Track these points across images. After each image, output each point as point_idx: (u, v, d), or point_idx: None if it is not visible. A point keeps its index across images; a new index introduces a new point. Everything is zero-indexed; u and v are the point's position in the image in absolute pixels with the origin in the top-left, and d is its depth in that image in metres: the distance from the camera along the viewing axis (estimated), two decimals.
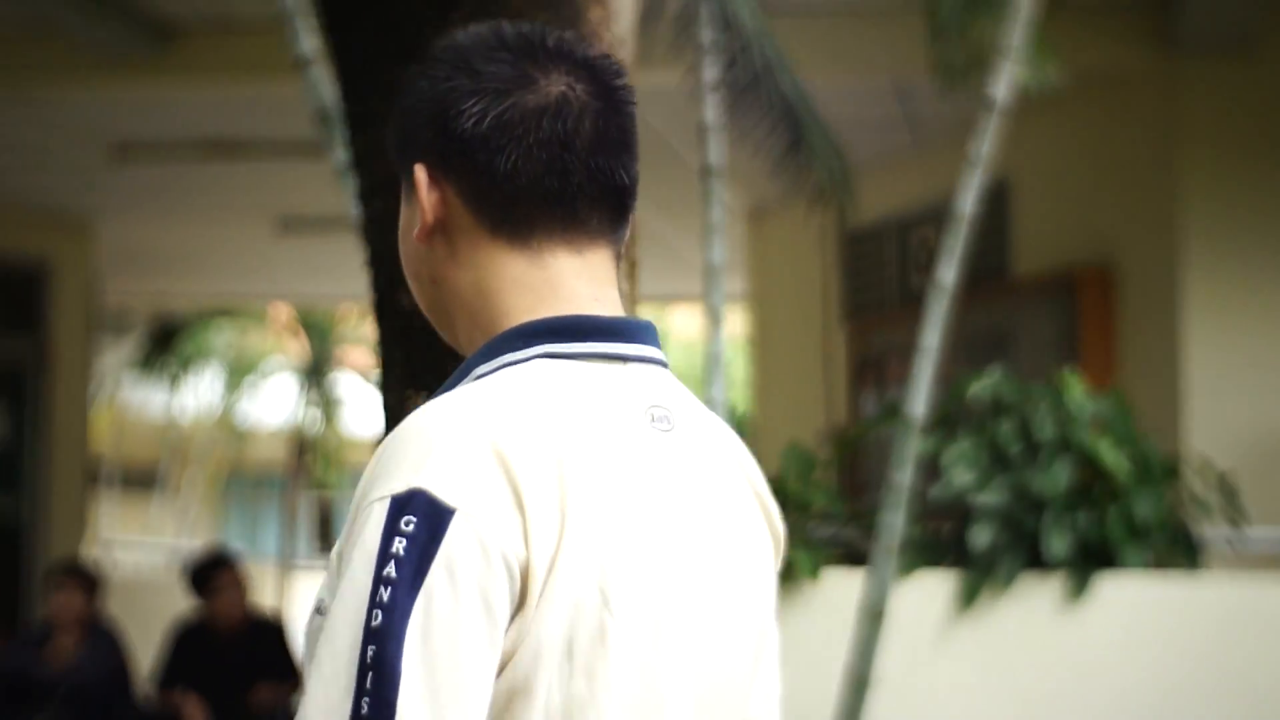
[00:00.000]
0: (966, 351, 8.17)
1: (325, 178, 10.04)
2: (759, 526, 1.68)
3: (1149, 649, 5.53)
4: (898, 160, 9.49)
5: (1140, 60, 7.74)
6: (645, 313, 2.71)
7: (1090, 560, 5.52)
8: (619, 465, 1.53)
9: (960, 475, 5.68)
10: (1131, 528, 5.52)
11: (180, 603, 9.14)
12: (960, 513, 5.74)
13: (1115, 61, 7.79)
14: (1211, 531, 5.81)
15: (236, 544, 21.72)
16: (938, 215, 9.07)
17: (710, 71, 5.32)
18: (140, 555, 20.51)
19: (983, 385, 5.91)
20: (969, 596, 5.63)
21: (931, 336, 5.18)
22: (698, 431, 1.63)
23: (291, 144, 8.75)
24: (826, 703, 5.51)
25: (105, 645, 8.29)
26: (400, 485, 1.44)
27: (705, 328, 5.67)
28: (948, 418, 5.88)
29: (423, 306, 1.70)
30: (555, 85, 1.60)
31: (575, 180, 1.59)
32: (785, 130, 5.93)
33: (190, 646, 8.38)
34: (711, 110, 5.27)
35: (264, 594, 14.25)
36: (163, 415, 22.20)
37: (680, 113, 6.45)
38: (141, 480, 23.74)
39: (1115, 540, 5.50)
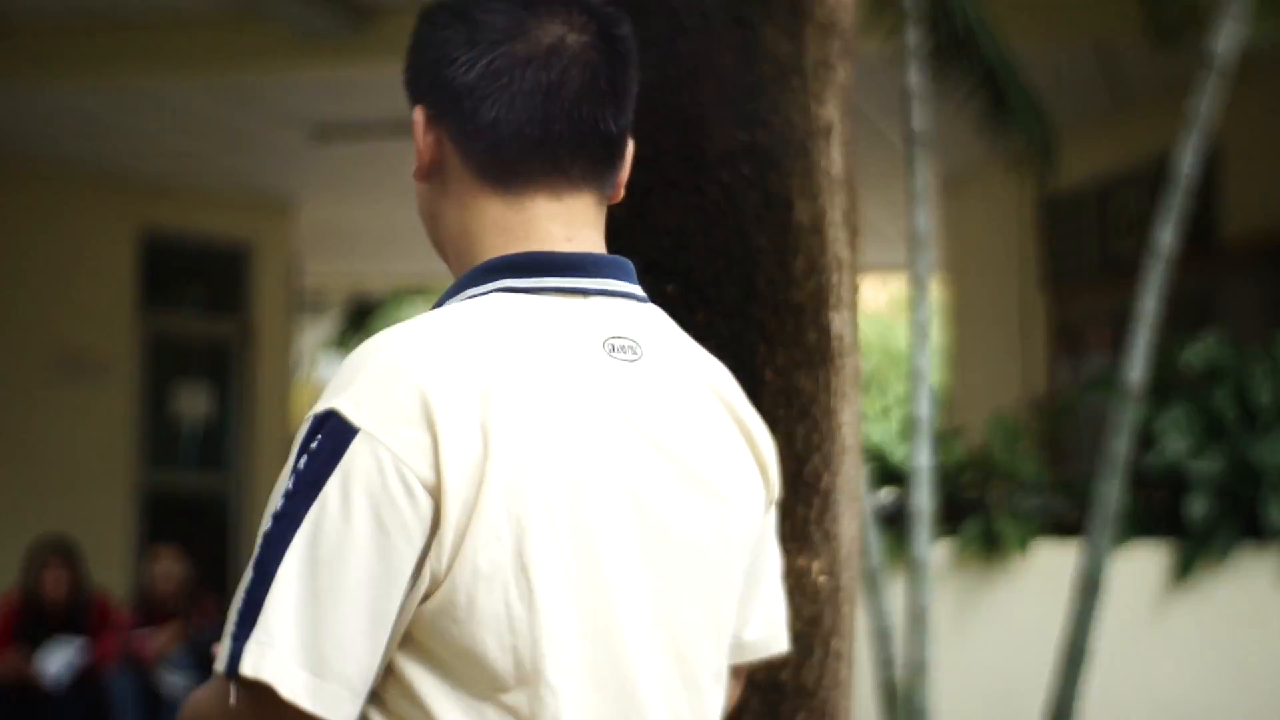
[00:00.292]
0: (1172, 317, 7.99)
1: None
2: (739, 452, 1.70)
3: None
4: (1097, 123, 9.29)
5: None
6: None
7: None
8: (561, 391, 1.58)
9: (1174, 443, 5.56)
10: None
11: None
12: (1174, 482, 5.61)
13: None
14: None
15: None
16: (1140, 179, 8.87)
17: (913, 36, 5.24)
18: None
19: (1196, 351, 5.77)
20: (1184, 568, 5.51)
21: (1148, 301, 5.06)
22: (671, 362, 1.67)
23: None
24: (1038, 677, 5.43)
25: None
26: (323, 405, 1.53)
27: (910, 297, 5.60)
28: (1160, 385, 5.74)
29: (430, 241, 1.76)
30: (549, 35, 1.65)
31: (556, 129, 1.64)
32: (986, 95, 5.84)
33: None
34: (915, 76, 5.19)
35: None
36: None
37: (874, 80, 6.38)
38: None
39: None
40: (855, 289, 2.70)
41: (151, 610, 8.96)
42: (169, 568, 9.10)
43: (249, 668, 1.48)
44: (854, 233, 2.76)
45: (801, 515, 2.62)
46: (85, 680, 8.52)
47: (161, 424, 11.37)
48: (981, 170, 9.58)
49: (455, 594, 1.52)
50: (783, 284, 2.56)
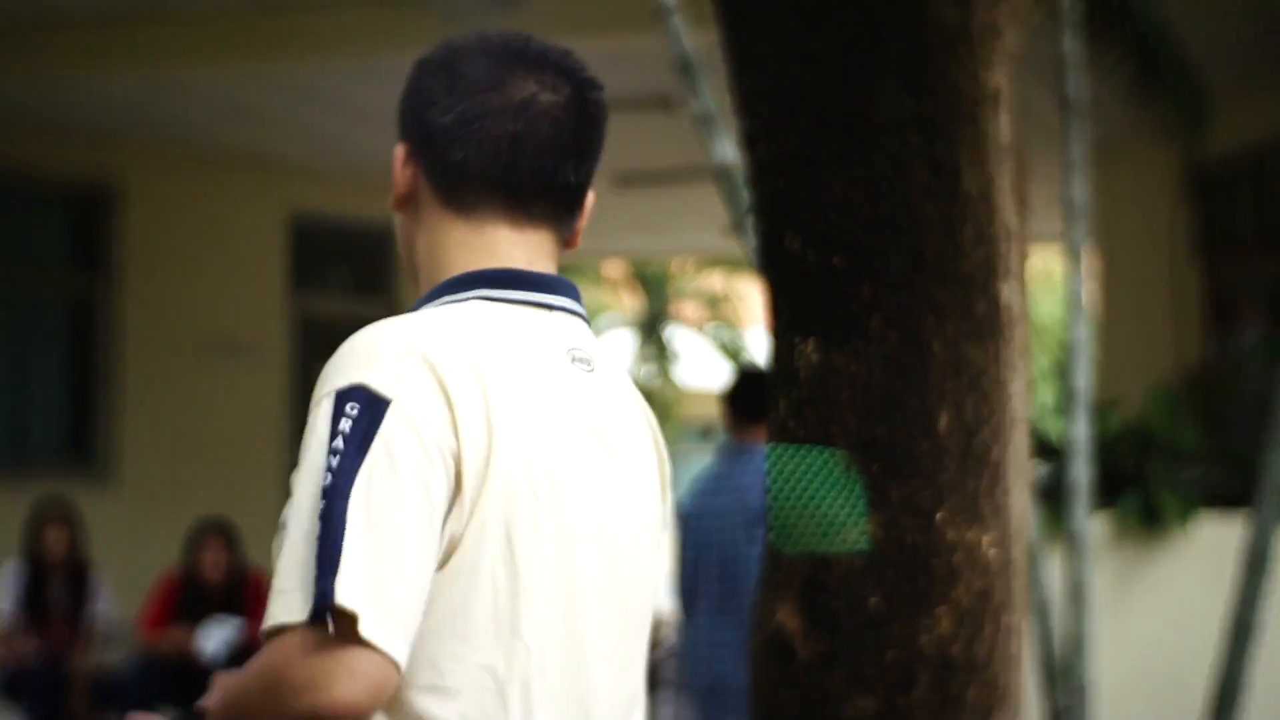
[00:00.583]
0: None
1: (665, 131, 10.13)
2: (651, 454, 2.01)
3: None
4: (1254, 89, 9.09)
5: None
6: None
7: None
8: (540, 388, 1.82)
9: None
10: None
11: None
12: None
13: None
14: None
15: None
16: None
17: (1068, 1, 5.16)
18: None
19: None
20: None
21: None
22: (612, 376, 1.95)
23: (632, 99, 8.81)
24: (1202, 652, 5.34)
25: None
26: (345, 382, 1.72)
27: (1065, 267, 5.52)
28: None
29: (404, 265, 1.99)
30: (522, 90, 1.89)
31: (519, 174, 1.88)
32: (1139, 61, 5.73)
33: None
34: (1070, 42, 5.11)
35: None
36: None
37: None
38: None
39: None
40: (1023, 259, 2.67)
41: None
42: None
43: (345, 598, 1.64)
44: (1021, 201, 2.72)
45: (971, 488, 2.59)
46: (242, 658, 8.66)
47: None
48: (1132, 138, 9.42)
49: (464, 556, 1.73)
50: (951, 254, 2.54)
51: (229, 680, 1.82)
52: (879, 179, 2.50)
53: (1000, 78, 2.57)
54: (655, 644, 8.14)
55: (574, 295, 1.93)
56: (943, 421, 2.57)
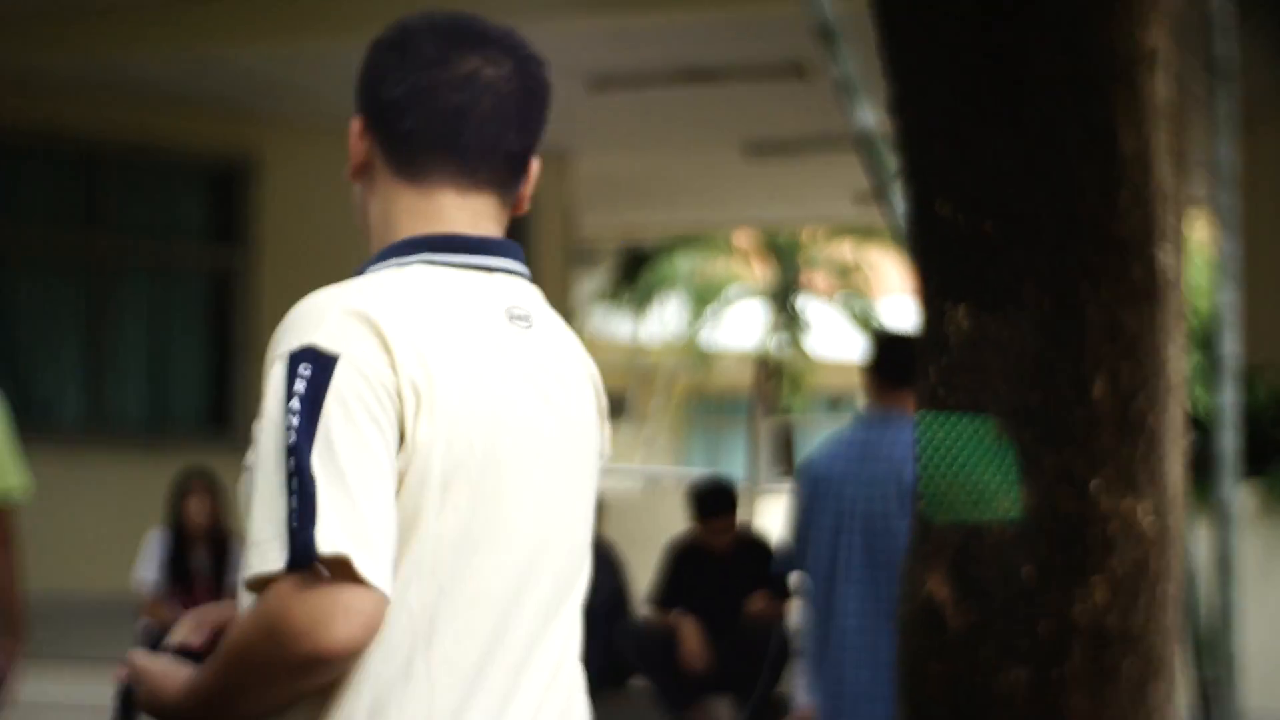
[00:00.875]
0: None
1: (797, 99, 10.08)
2: (592, 408, 2.13)
3: None
4: None
5: None
6: None
7: None
8: (477, 344, 1.96)
9: None
10: None
11: (659, 524, 9.36)
12: None
13: None
14: None
15: (699, 469, 22.09)
16: None
17: None
18: (612, 480, 21.11)
19: None
20: None
21: None
22: (552, 333, 2.08)
23: (764, 67, 8.76)
24: None
25: (604, 566, 8.53)
26: (296, 344, 1.89)
27: (1212, 233, 5.41)
28: None
29: (361, 232, 2.11)
30: (468, 65, 2.03)
31: (464, 142, 2.02)
32: None
33: (686, 566, 8.58)
34: (1219, 1, 5.00)
35: None
36: (629, 343, 22.76)
37: None
38: (609, 408, 24.39)
39: None
40: (1180, 221, 2.61)
41: None
42: None
43: (328, 546, 1.79)
44: (1178, 163, 2.67)
45: (1126, 456, 2.55)
46: None
47: None
48: (1275, 101, 9.23)
49: (406, 496, 1.87)
50: (1106, 217, 2.50)
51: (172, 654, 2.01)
52: (1032, 141, 2.46)
53: (1157, 37, 2.52)
54: (780, 614, 7.96)
55: (514, 255, 2.07)
56: (1097, 388, 2.53)
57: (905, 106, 2.74)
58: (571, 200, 12.18)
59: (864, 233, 19.14)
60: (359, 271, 2.03)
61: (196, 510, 8.92)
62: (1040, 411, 2.55)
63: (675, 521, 9.65)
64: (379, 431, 1.85)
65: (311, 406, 1.84)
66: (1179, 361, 2.62)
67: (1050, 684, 2.55)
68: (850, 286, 21.37)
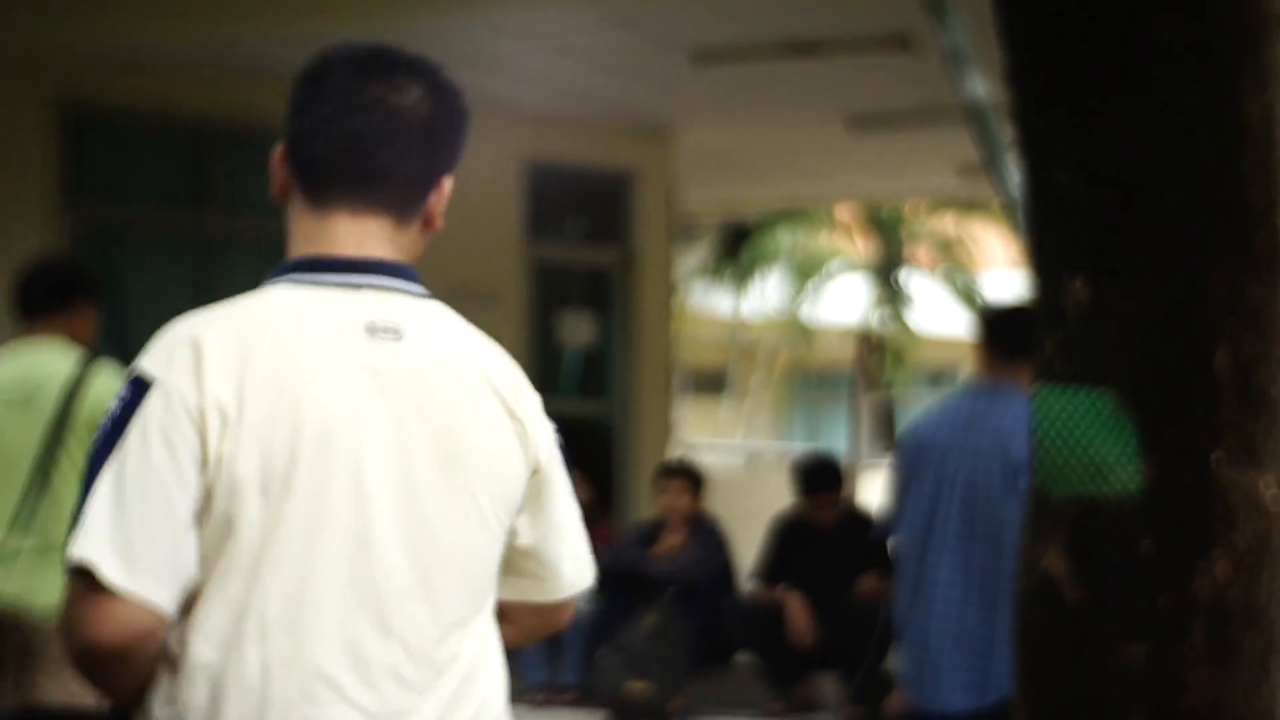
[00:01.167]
0: None
1: (900, 71, 10.01)
2: (498, 422, 2.15)
3: None
4: None
5: None
6: None
7: None
8: (312, 357, 2.06)
9: None
10: None
11: (762, 500, 9.35)
12: None
13: None
14: None
15: (801, 444, 22.03)
16: None
17: None
18: (714, 456, 21.07)
19: None
20: None
21: None
22: (435, 345, 2.14)
23: (868, 39, 8.71)
24: None
25: (711, 542, 8.56)
26: (135, 367, 2.05)
27: None
28: None
29: None
30: (372, 94, 2.16)
31: (358, 166, 2.14)
32: None
33: (791, 542, 8.57)
34: None
35: None
36: (730, 319, 22.73)
37: None
38: (710, 383, 24.41)
39: None
40: None
41: None
42: (579, 492, 9.33)
43: (74, 554, 1.96)
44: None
45: (1248, 428, 2.52)
46: None
47: (548, 351, 11.63)
48: None
49: (217, 505, 2.00)
50: (1229, 186, 2.46)
51: None
52: (1153, 109, 2.43)
53: None
54: (889, 591, 7.94)
55: (395, 274, 2.16)
56: (1218, 359, 2.49)
57: (1022, 75, 2.71)
58: (673, 175, 12.16)
59: (967, 206, 18.98)
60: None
61: None
62: (1160, 383, 2.52)
63: (777, 498, 9.62)
64: (169, 454, 1.99)
65: (114, 425, 2.02)
66: None
67: (1170, 660, 2.52)
68: (953, 260, 21.22)
